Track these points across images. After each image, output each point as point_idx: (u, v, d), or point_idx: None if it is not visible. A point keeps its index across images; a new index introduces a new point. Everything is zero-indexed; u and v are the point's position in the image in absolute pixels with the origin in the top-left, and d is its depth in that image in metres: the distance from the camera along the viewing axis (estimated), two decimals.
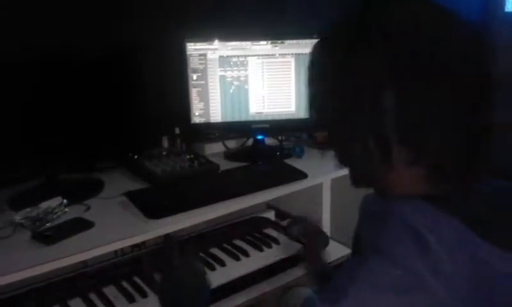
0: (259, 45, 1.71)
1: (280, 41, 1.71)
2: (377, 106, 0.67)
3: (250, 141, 1.88)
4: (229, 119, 1.75)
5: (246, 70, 1.71)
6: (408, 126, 0.67)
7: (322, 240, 1.45)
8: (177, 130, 1.75)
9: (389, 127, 0.68)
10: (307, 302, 0.71)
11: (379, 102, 0.67)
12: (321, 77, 0.75)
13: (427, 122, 0.66)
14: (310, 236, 1.42)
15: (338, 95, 0.72)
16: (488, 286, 0.64)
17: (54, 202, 1.29)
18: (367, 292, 0.64)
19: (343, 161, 0.80)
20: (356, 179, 0.80)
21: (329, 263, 1.50)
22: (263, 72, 1.72)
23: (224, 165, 1.67)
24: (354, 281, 0.64)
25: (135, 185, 1.49)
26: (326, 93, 0.74)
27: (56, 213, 1.28)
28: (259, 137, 1.83)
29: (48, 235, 1.19)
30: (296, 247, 1.51)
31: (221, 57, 1.70)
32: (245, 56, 1.71)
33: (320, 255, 1.36)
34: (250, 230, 1.61)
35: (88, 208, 1.35)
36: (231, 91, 1.73)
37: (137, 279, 1.33)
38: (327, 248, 1.56)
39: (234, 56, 1.70)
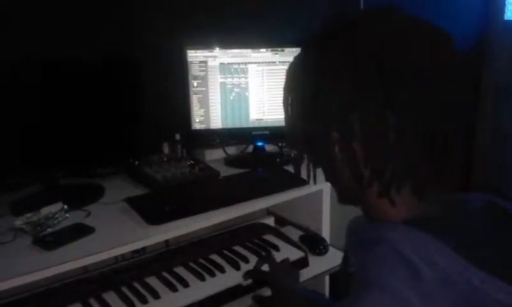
0: (259, 52, 1.72)
1: (280, 49, 1.72)
2: (345, 124, 0.67)
3: (250, 148, 1.89)
4: (229, 125, 1.76)
5: (246, 77, 1.72)
6: (370, 150, 0.67)
7: (292, 278, 1.32)
8: (178, 136, 1.75)
9: (358, 152, 0.68)
10: None
11: (346, 120, 0.67)
12: (298, 85, 0.74)
13: (388, 149, 0.66)
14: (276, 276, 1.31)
15: (310, 106, 0.71)
16: None
17: (55, 207, 1.30)
18: None
19: (327, 179, 0.80)
20: (341, 197, 0.80)
21: (324, 272, 1.50)
22: (263, 79, 1.73)
23: (225, 171, 1.67)
24: None
25: (135, 191, 1.50)
26: (300, 104, 0.74)
27: (57, 218, 1.29)
28: (259, 143, 1.83)
29: (49, 241, 1.19)
30: (296, 253, 1.51)
31: (221, 64, 1.71)
32: (245, 63, 1.72)
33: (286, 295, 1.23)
34: (250, 236, 1.61)
35: (89, 213, 1.36)
36: (231, 97, 1.73)
37: (137, 285, 1.33)
38: (326, 255, 1.58)
39: (235, 63, 1.71)
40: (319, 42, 0.72)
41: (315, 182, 0.80)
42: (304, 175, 0.81)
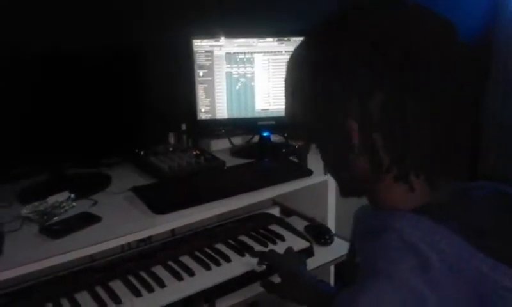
0: (265, 42, 1.71)
1: (286, 38, 1.71)
2: (364, 112, 0.66)
3: (256, 138, 1.89)
4: (235, 115, 1.75)
5: (252, 67, 1.72)
6: (392, 136, 0.66)
7: (299, 265, 1.28)
8: (183, 127, 1.76)
9: (378, 139, 0.67)
10: None
11: (365, 108, 0.66)
12: (309, 77, 0.72)
13: (408, 134, 0.66)
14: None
15: (324, 97, 0.70)
16: (492, 301, 0.60)
17: (62, 196, 1.31)
18: None
19: (332, 169, 0.79)
20: (346, 189, 0.79)
21: (329, 262, 1.50)
22: (269, 69, 1.72)
23: (230, 161, 1.68)
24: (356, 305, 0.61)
25: (141, 181, 1.50)
26: (312, 95, 0.72)
27: (64, 207, 1.29)
28: (265, 133, 1.83)
29: (56, 229, 1.20)
30: (301, 243, 1.52)
31: (227, 54, 1.70)
32: (251, 53, 1.71)
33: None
34: (255, 226, 1.61)
35: (95, 202, 1.36)
36: (237, 87, 1.73)
37: (143, 274, 1.33)
38: (331, 245, 1.58)
39: (240, 53, 1.71)
40: (330, 32, 0.70)
41: (325, 172, 0.80)
42: (311, 166, 0.80)
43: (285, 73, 0.77)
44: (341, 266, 1.52)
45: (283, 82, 0.77)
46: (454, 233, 0.62)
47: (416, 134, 0.66)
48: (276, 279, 1.27)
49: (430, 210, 0.66)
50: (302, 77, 0.73)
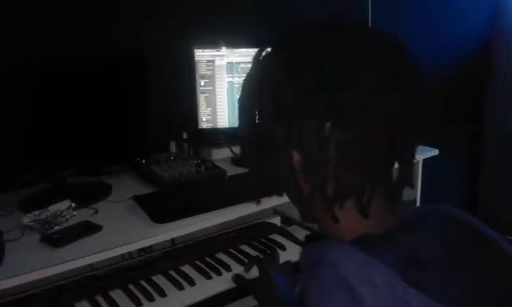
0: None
1: None
2: (286, 142, 0.66)
3: None
4: (236, 124, 1.75)
5: None
6: (309, 165, 0.65)
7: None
8: (185, 135, 1.76)
9: (297, 165, 0.67)
10: None
11: (288, 138, 0.65)
12: (245, 109, 0.73)
13: (326, 163, 0.64)
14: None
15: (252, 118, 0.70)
16: None
17: (63, 205, 1.31)
18: None
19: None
20: (302, 215, 0.78)
21: None
22: None
23: (231, 170, 1.68)
24: None
25: (142, 190, 1.50)
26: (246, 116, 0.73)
27: (65, 216, 1.29)
28: None
29: (57, 238, 1.20)
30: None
31: (228, 63, 1.71)
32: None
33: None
34: (256, 235, 1.61)
35: (96, 211, 1.37)
36: (238, 97, 1.73)
37: (144, 283, 1.33)
38: None
39: (242, 63, 1.72)
40: (264, 56, 0.71)
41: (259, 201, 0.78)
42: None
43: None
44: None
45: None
46: (389, 266, 0.59)
47: (340, 163, 0.64)
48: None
49: (367, 241, 0.65)
50: (240, 97, 0.75)
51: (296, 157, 0.66)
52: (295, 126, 0.64)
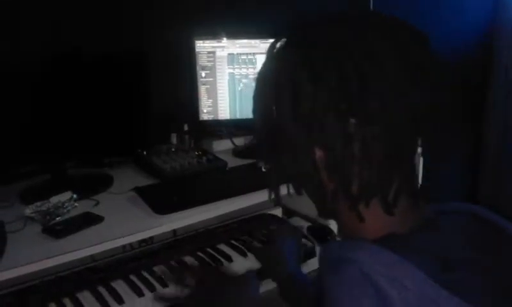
0: (267, 42, 1.70)
1: None
2: (309, 143, 0.64)
3: None
4: (237, 116, 1.76)
5: (254, 68, 1.72)
6: (333, 163, 0.63)
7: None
8: (186, 127, 1.76)
9: (322, 164, 0.65)
10: None
11: (311, 139, 0.64)
12: (261, 107, 0.71)
13: (351, 161, 0.62)
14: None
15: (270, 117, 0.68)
16: None
17: (64, 197, 1.31)
18: None
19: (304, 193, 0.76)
20: (318, 211, 0.76)
21: None
22: None
23: (232, 162, 1.68)
24: None
25: (144, 181, 1.50)
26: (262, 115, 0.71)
27: (66, 207, 1.30)
28: None
29: (58, 229, 1.20)
30: (304, 243, 1.52)
31: (229, 54, 1.71)
32: (253, 54, 1.71)
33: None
34: (257, 227, 1.61)
35: (97, 203, 1.37)
36: (239, 88, 1.73)
37: (145, 274, 1.34)
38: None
39: (243, 54, 1.71)
40: (279, 51, 0.69)
41: (277, 203, 0.76)
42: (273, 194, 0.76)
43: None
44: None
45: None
46: (418, 267, 0.57)
47: (365, 161, 0.62)
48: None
49: (393, 241, 0.63)
50: (256, 95, 0.72)
51: (319, 153, 0.64)
52: (317, 123, 0.62)
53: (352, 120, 0.60)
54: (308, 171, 0.66)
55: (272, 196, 0.75)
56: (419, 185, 0.68)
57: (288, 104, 0.64)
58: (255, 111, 0.73)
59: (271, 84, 0.67)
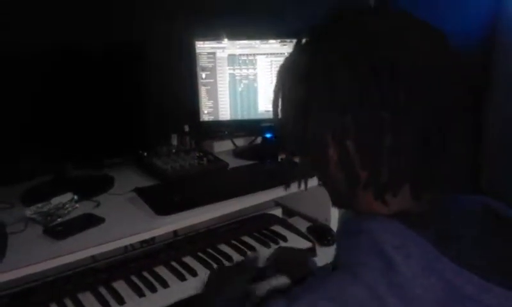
0: (268, 43, 1.72)
1: (288, 40, 1.72)
2: (337, 126, 0.66)
3: (259, 139, 1.89)
4: (238, 117, 1.76)
5: (254, 69, 1.72)
6: (365, 151, 0.66)
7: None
8: (186, 128, 1.76)
9: (353, 154, 0.66)
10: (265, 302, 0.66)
11: (342, 128, 0.65)
12: (289, 88, 0.72)
13: (382, 150, 0.64)
14: None
15: (301, 109, 0.69)
16: None
17: (65, 198, 1.31)
18: (325, 304, 0.60)
19: (321, 182, 0.78)
20: (334, 201, 0.79)
21: (331, 262, 1.48)
22: (271, 71, 1.73)
23: (233, 163, 1.68)
24: (313, 291, 0.62)
25: (144, 182, 1.51)
26: (291, 106, 0.72)
27: (67, 208, 1.30)
28: (268, 135, 1.84)
29: (59, 230, 1.20)
30: (304, 243, 1.52)
31: (230, 55, 1.71)
32: (254, 55, 1.72)
33: None
34: (258, 227, 1.62)
35: (98, 204, 1.37)
36: (240, 89, 1.74)
37: (146, 274, 1.34)
38: (334, 245, 1.58)
39: (243, 55, 1.71)
40: (310, 42, 0.71)
41: (306, 187, 0.78)
42: (296, 179, 0.78)
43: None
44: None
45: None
46: (425, 239, 0.61)
47: (396, 151, 0.64)
48: None
49: (404, 216, 0.65)
50: (283, 88, 0.74)
51: (351, 145, 0.66)
52: (350, 114, 0.64)
53: (384, 111, 0.62)
54: (339, 161, 0.68)
55: (302, 186, 0.78)
56: (444, 177, 0.69)
57: (321, 95, 0.66)
58: (282, 106, 0.74)
59: (302, 76, 0.69)
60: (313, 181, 1.51)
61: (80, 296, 1.25)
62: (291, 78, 0.72)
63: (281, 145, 0.76)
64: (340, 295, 0.60)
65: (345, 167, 0.68)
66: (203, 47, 1.70)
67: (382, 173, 0.66)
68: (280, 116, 0.75)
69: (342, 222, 0.74)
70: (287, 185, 0.82)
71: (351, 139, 0.66)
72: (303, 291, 0.63)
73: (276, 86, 0.75)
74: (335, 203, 0.80)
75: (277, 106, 0.75)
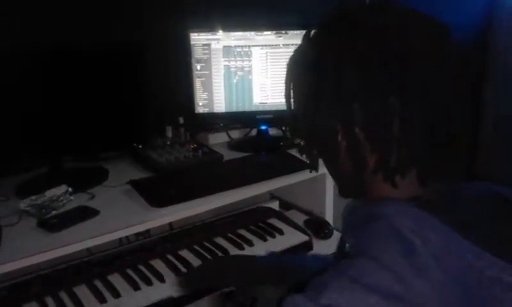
0: (263, 35, 1.71)
1: (283, 32, 1.71)
2: (347, 114, 0.69)
3: (254, 131, 1.89)
4: (233, 109, 1.75)
5: (249, 60, 1.71)
6: (374, 138, 0.69)
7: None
8: (181, 120, 1.75)
9: (362, 141, 0.69)
10: (286, 301, 0.64)
11: (351, 116, 0.68)
12: (299, 77, 0.76)
13: (392, 136, 0.67)
14: None
15: (312, 97, 0.72)
16: (476, 291, 0.59)
17: (59, 190, 1.30)
18: (353, 289, 0.60)
19: (328, 170, 0.81)
20: (342, 190, 0.82)
21: (330, 254, 1.49)
22: (267, 62, 1.72)
23: (228, 155, 1.67)
24: (339, 278, 0.62)
25: (139, 175, 1.50)
26: (302, 95, 0.75)
27: (61, 201, 1.29)
28: (263, 127, 1.83)
29: (54, 223, 1.20)
30: (300, 237, 1.52)
31: (225, 47, 1.70)
32: (249, 46, 1.71)
33: None
34: (254, 220, 1.61)
35: (93, 196, 1.36)
36: (235, 81, 1.73)
37: (141, 267, 1.33)
38: (331, 239, 1.58)
39: (238, 46, 1.70)
40: (319, 34, 0.73)
41: (317, 170, 0.83)
42: (309, 164, 0.82)
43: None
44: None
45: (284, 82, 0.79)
46: (441, 223, 0.62)
47: (404, 137, 0.67)
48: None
49: (419, 202, 0.67)
50: (293, 77, 0.77)
51: (359, 133, 0.69)
52: (359, 102, 0.67)
53: (393, 99, 0.66)
54: (348, 148, 0.71)
55: (314, 173, 0.84)
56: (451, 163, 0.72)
57: (331, 85, 0.68)
58: (294, 97, 0.77)
59: (311, 66, 0.72)
60: (308, 174, 1.51)
61: (76, 289, 1.25)
62: (301, 68, 0.75)
63: (293, 133, 0.80)
64: (368, 280, 0.60)
65: (354, 154, 0.71)
66: (197, 38, 1.69)
67: (391, 158, 0.68)
68: (290, 105, 0.78)
69: (350, 211, 0.75)
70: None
71: (359, 127, 0.68)
72: (330, 279, 0.63)
73: (286, 77, 0.78)
74: (343, 193, 0.81)
75: (289, 97, 0.78)
